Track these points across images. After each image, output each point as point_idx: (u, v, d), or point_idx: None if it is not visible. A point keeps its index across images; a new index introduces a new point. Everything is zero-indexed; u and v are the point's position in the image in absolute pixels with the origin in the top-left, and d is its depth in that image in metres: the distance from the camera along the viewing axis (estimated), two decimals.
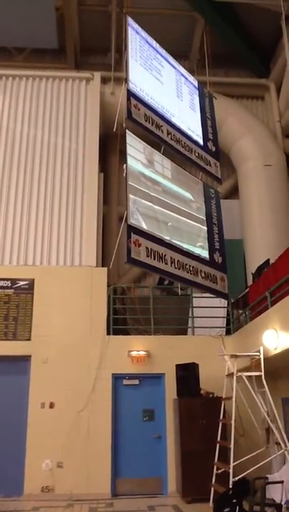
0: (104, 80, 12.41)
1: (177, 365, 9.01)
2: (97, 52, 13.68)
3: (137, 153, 8.68)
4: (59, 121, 11.49)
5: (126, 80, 8.99)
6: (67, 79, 12.00)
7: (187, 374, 8.80)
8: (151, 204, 8.59)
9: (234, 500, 6.39)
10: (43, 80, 11.92)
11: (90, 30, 13.07)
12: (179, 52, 12.84)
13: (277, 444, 7.22)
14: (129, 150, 8.44)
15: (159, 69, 10.33)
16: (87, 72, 12.16)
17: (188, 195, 9.91)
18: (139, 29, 10.08)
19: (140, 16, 10.38)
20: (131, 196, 8.13)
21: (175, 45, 12.62)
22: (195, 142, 10.42)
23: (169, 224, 8.89)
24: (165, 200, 9.06)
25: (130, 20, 9.84)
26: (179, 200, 9.48)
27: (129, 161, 8.34)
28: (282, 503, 5.81)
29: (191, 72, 12.35)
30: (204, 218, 10.05)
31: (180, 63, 11.54)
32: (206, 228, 9.95)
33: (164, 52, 10.73)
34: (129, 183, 8.19)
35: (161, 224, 8.65)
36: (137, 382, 9.45)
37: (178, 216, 9.26)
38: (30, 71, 12.06)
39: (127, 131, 8.54)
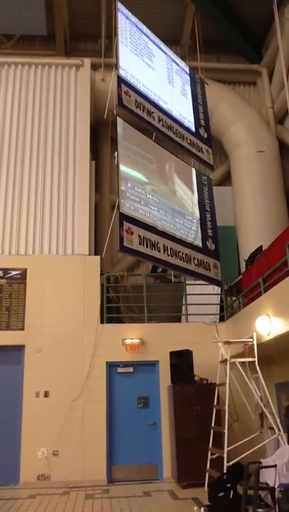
0: (94, 67, 12.25)
1: (171, 353, 9.04)
2: (87, 38, 13.52)
3: (128, 141, 8.63)
4: (49, 109, 11.35)
5: (116, 66, 8.91)
6: (56, 66, 11.83)
7: (181, 361, 8.83)
8: (143, 192, 8.56)
9: (228, 485, 6.44)
10: (32, 67, 11.74)
11: (79, 16, 12.90)
12: (170, 38, 12.77)
13: (271, 428, 7.27)
14: (120, 137, 8.39)
15: (150, 55, 10.25)
16: (77, 59, 11.99)
17: (180, 182, 9.88)
18: (129, 14, 9.98)
19: (130, 1, 10.23)
20: (123, 184, 8.09)
21: (166, 30, 12.54)
22: (187, 129, 10.38)
23: (162, 211, 8.86)
24: (157, 188, 9.03)
25: (120, 6, 9.73)
26: (171, 187, 9.46)
27: (120, 148, 8.29)
28: (276, 486, 5.86)
29: (183, 58, 12.27)
30: (197, 205, 10.04)
31: (171, 49, 11.47)
32: (198, 215, 9.95)
33: (154, 38, 10.64)
34: (121, 170, 8.15)
35: (154, 211, 8.63)
36: (131, 369, 9.47)
37: (171, 203, 9.24)
38: (19, 58, 11.87)
39: (117, 118, 8.48)
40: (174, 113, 10.16)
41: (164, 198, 9.11)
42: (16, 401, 8.96)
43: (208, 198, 10.54)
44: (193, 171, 10.47)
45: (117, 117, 8.48)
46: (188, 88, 11.17)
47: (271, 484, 5.93)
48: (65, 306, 9.56)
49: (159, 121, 9.49)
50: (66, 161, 10.96)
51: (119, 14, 9.58)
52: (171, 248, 8.65)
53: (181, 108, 10.56)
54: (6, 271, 9.68)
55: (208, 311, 10.06)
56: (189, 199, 9.92)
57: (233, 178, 12.65)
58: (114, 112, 8.54)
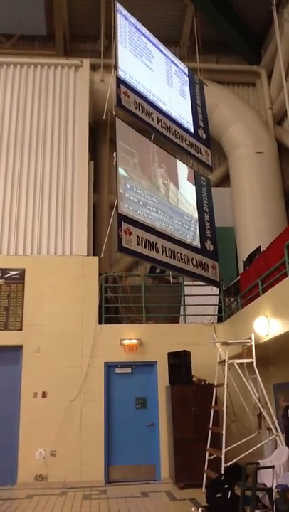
0: (93, 67, 12.26)
1: (169, 353, 9.03)
2: (86, 38, 13.53)
3: (126, 142, 8.63)
4: (48, 109, 11.35)
5: (115, 66, 8.91)
6: (56, 66, 11.83)
7: (179, 362, 8.83)
8: (142, 193, 8.57)
9: (226, 486, 6.45)
10: (32, 67, 11.74)
11: (79, 16, 12.91)
12: (169, 39, 12.77)
13: (269, 429, 7.28)
14: (119, 138, 8.39)
15: (149, 56, 10.25)
16: (77, 59, 12.00)
17: (179, 183, 9.89)
18: (129, 15, 9.99)
19: (129, 2, 10.23)
20: (121, 185, 8.09)
21: (165, 31, 12.54)
22: (186, 130, 10.39)
23: (160, 212, 8.87)
24: (156, 189, 9.03)
25: (119, 6, 9.74)
26: (169, 188, 9.47)
27: (119, 149, 8.30)
28: (273, 487, 5.87)
29: (182, 58, 12.29)
30: (195, 206, 10.05)
31: (170, 50, 11.48)
32: (197, 216, 9.96)
33: (154, 38, 10.65)
34: (120, 171, 8.15)
35: (153, 212, 8.64)
36: (129, 370, 9.47)
37: (169, 204, 9.25)
38: (18, 58, 11.88)
39: (116, 118, 8.49)
40: (173, 114, 10.17)
41: (162, 198, 9.12)
42: (13, 401, 8.95)
43: (206, 198, 10.55)
44: (192, 172, 10.48)
45: (116, 118, 8.48)
46: (187, 89, 11.18)
47: (269, 485, 5.95)
48: (63, 307, 9.55)
49: (158, 122, 9.50)
50: (65, 161, 10.96)
51: (118, 15, 9.58)
52: (169, 249, 8.65)
53: (180, 109, 10.57)
54: (4, 271, 9.67)
55: (206, 311, 10.07)
56: (188, 200, 9.93)
57: (232, 179, 12.66)
58: (113, 112, 8.55)
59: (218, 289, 10.24)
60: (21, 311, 9.46)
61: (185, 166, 10.19)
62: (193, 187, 10.24)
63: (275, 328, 6.74)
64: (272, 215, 11.58)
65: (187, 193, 9.99)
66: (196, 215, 9.96)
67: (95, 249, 10.83)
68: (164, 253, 8.50)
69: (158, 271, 11.43)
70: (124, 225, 7.78)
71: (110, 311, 10.13)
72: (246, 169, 12.14)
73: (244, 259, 10.33)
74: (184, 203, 9.74)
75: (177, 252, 8.83)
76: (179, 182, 9.83)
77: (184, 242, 9.17)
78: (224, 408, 7.31)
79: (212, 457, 7.64)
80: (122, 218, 7.81)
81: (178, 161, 10.09)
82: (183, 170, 10.08)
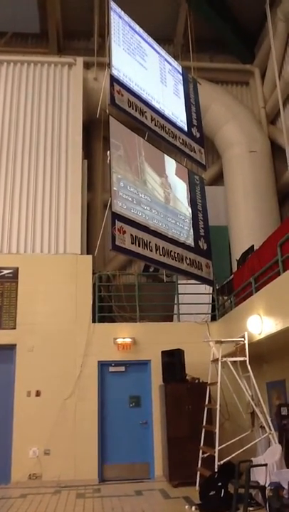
0: (87, 65, 12.23)
1: (163, 352, 9.05)
2: (79, 36, 13.50)
3: (120, 140, 8.62)
4: (41, 107, 11.31)
5: (109, 65, 8.89)
6: (49, 64, 11.79)
7: (173, 360, 8.84)
8: (135, 191, 8.56)
9: (219, 484, 6.49)
10: (25, 65, 11.69)
11: (72, 14, 12.86)
12: (163, 37, 12.77)
13: (262, 427, 7.30)
14: (113, 137, 8.38)
15: (143, 54, 10.24)
16: (70, 57, 11.97)
17: (173, 181, 9.90)
18: (122, 13, 9.97)
19: (123, 0, 10.20)
20: (115, 183, 8.09)
21: (159, 29, 12.49)
22: (179, 128, 10.39)
23: (154, 211, 8.87)
24: (150, 187, 9.03)
25: (113, 4, 9.72)
26: (163, 186, 9.47)
27: (113, 147, 8.29)
28: (266, 485, 5.90)
29: (175, 57, 12.28)
30: (189, 205, 10.06)
31: (164, 48, 11.47)
32: (190, 215, 9.97)
33: (147, 37, 10.64)
34: (113, 170, 8.14)
35: (146, 211, 8.63)
36: (123, 369, 9.48)
37: (163, 203, 9.25)
38: (11, 56, 11.82)
39: (110, 117, 8.47)
40: (167, 112, 10.16)
41: (156, 197, 9.12)
42: (7, 400, 8.92)
43: (200, 197, 10.56)
44: (181, 167, 10.46)
45: (110, 117, 8.47)
46: (180, 88, 11.18)
47: (262, 483, 5.98)
48: (57, 305, 9.54)
49: (152, 120, 9.50)
50: (58, 159, 10.93)
51: (112, 13, 9.56)
52: (163, 247, 8.66)
53: (174, 107, 10.57)
54: None
55: (199, 310, 10.09)
56: (178, 196, 9.93)
57: (226, 177, 12.68)
58: (107, 111, 8.53)
59: (211, 288, 10.26)
60: (15, 309, 9.43)
61: (173, 160, 10.16)
62: (183, 182, 10.22)
63: (268, 327, 6.76)
64: (266, 214, 11.62)
65: (176, 189, 9.94)
66: (189, 213, 9.96)
67: (88, 247, 10.81)
68: (158, 252, 8.50)
69: (151, 269, 11.43)
70: (118, 224, 7.77)
71: (104, 310, 10.13)
72: (240, 168, 12.16)
73: (237, 258, 10.36)
74: (174, 199, 9.72)
75: (171, 251, 8.84)
76: (166, 176, 9.80)
77: (178, 241, 9.18)
78: (218, 406, 7.33)
79: (206, 455, 7.66)
80: (116, 217, 7.80)
81: (165, 155, 10.05)
82: (170, 165, 10.06)
